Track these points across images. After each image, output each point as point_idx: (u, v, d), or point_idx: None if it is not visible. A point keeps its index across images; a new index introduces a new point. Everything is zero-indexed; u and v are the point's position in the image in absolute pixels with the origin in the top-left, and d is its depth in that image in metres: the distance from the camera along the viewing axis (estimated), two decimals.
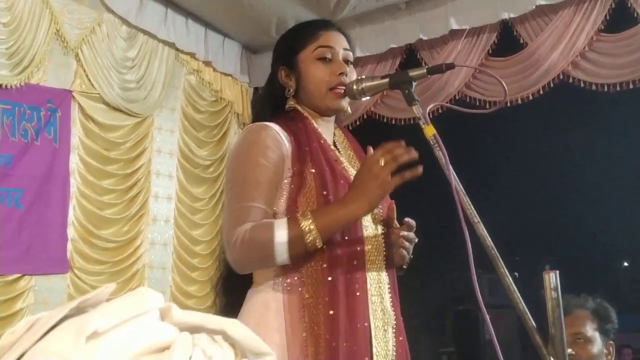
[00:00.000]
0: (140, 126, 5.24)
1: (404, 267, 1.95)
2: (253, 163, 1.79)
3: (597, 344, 2.57)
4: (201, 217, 5.71)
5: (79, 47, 4.80)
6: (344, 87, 1.91)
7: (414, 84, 1.82)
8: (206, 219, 5.74)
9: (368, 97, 1.94)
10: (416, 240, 1.92)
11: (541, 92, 4.88)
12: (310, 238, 1.67)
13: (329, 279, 1.73)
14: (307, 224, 1.67)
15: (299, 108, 1.97)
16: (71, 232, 4.73)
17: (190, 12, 5.58)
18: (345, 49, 1.98)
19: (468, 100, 5.19)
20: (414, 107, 1.78)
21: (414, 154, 1.69)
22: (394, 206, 1.92)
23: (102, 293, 0.64)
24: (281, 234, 1.67)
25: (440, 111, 4.24)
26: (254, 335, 0.66)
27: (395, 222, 1.93)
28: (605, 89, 4.62)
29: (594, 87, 4.68)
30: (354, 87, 1.88)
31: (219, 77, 5.96)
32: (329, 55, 1.95)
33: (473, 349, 7.58)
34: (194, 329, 0.64)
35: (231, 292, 1.94)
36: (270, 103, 2.02)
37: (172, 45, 5.47)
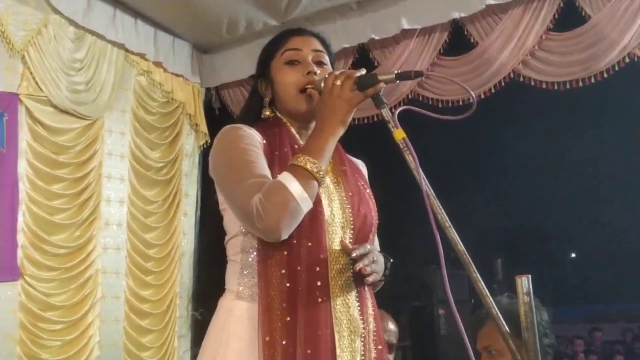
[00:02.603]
0: (90, 129, 5.13)
1: (382, 281, 1.92)
2: (240, 149, 1.78)
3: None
4: (154, 220, 5.63)
5: (25, 49, 4.67)
6: (312, 84, 1.89)
7: (383, 87, 1.81)
8: (160, 222, 5.66)
9: None
10: (379, 260, 1.86)
11: (492, 90, 4.93)
12: (311, 165, 1.70)
13: (287, 285, 1.71)
14: (300, 159, 1.71)
15: (278, 114, 1.96)
16: (21, 238, 4.61)
17: (139, 12, 5.49)
18: (316, 50, 1.96)
19: (421, 99, 5.22)
20: (382, 111, 1.77)
21: (362, 69, 1.77)
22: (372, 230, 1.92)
23: None
24: (294, 185, 1.67)
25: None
26: None
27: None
28: (555, 87, 4.70)
29: (544, 86, 4.75)
30: (322, 85, 1.86)
31: (170, 77, 5.87)
32: (296, 58, 1.93)
33: (428, 344, 7.64)
34: None
35: (207, 302, 1.93)
36: (249, 114, 2.01)
37: (121, 46, 5.37)
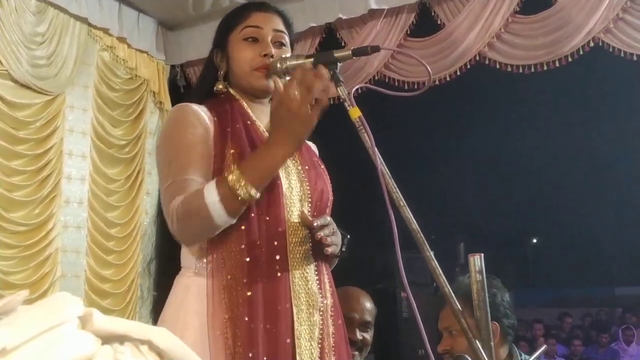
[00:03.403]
0: (51, 104, 5.05)
1: (337, 256, 1.91)
2: (182, 138, 1.77)
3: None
4: (117, 199, 5.56)
5: None
6: (267, 68, 1.86)
7: (339, 65, 1.79)
8: (122, 201, 5.59)
9: None
10: (337, 233, 1.83)
11: (458, 72, 4.93)
12: (242, 189, 1.63)
13: (247, 259, 1.70)
14: (234, 178, 1.63)
15: (231, 91, 1.93)
16: None
17: None
18: (276, 30, 1.94)
19: (387, 80, 5.21)
20: (338, 89, 1.74)
21: (325, 78, 1.65)
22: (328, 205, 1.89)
23: (13, 301, 0.57)
24: (212, 194, 1.63)
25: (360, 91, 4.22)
26: (181, 344, 0.62)
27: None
28: (521, 70, 4.72)
29: (509, 69, 4.77)
30: (278, 65, 1.84)
31: (134, 54, 5.78)
32: (255, 36, 1.90)
33: (390, 326, 7.67)
34: (117, 339, 0.58)
35: (163, 276, 1.93)
36: (203, 86, 1.99)
37: (84, 20, 5.27)
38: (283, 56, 1.87)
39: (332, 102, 5.02)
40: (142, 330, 0.60)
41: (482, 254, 1.51)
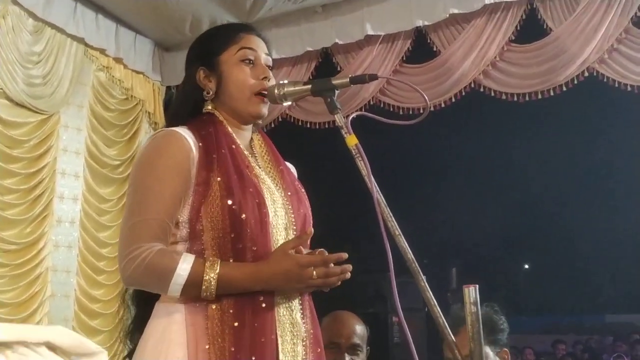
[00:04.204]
0: (45, 123, 5.03)
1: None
2: (157, 173, 1.72)
3: (490, 358, 2.58)
4: (109, 219, 5.53)
5: None
6: (267, 93, 1.86)
7: (337, 92, 1.80)
8: (114, 221, 5.56)
9: (289, 103, 1.90)
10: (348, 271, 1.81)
11: (453, 99, 4.96)
12: (206, 289, 1.64)
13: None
14: (210, 276, 1.64)
15: (215, 113, 1.89)
16: None
17: (100, 7, 5.41)
18: (266, 54, 1.94)
19: (382, 106, 5.23)
20: (336, 116, 1.75)
21: (343, 275, 1.72)
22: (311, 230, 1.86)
23: None
24: (182, 273, 1.63)
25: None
26: (81, 338, 0.62)
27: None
28: (515, 98, 4.74)
29: (503, 97, 4.79)
30: (276, 91, 1.84)
31: (130, 74, 5.80)
32: (252, 58, 1.89)
33: (382, 351, 7.65)
34: (13, 344, 0.58)
35: (141, 303, 1.85)
36: (185, 105, 1.93)
37: (81, 40, 5.29)
38: (281, 82, 1.87)
39: (326, 126, 5.01)
40: (39, 333, 0.60)
41: (477, 286, 1.51)
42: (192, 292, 1.64)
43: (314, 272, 1.67)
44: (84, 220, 5.34)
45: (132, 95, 5.79)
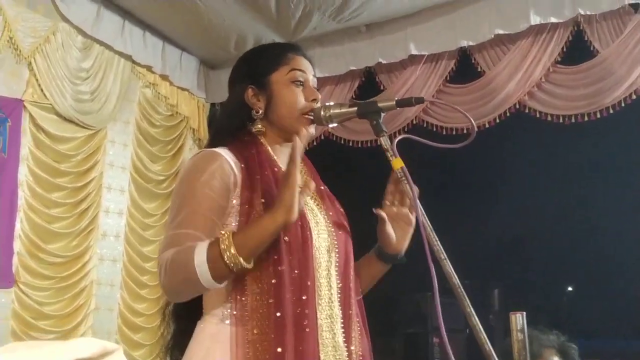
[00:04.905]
0: (92, 139, 5.13)
1: (396, 257, 1.94)
2: (196, 191, 1.73)
3: None
4: (153, 233, 5.60)
5: (32, 56, 4.68)
6: (314, 114, 1.87)
7: (382, 114, 1.80)
8: (158, 235, 5.62)
9: (335, 124, 1.90)
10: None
11: (497, 120, 4.93)
12: (229, 255, 1.59)
13: (277, 314, 1.66)
14: (223, 242, 1.61)
15: (261, 133, 1.90)
16: (17, 245, 4.58)
17: (148, 25, 5.51)
18: (313, 76, 1.95)
19: (426, 126, 5.21)
20: (381, 139, 1.76)
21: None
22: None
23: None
24: (201, 254, 1.60)
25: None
26: (101, 342, 0.63)
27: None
28: (561, 120, 4.69)
29: (549, 118, 4.74)
30: (322, 113, 1.85)
31: (176, 91, 5.89)
32: (302, 80, 1.90)
33: None
34: None
35: (181, 319, 1.86)
36: (232, 122, 1.94)
37: (128, 57, 5.39)
38: (327, 104, 1.88)
39: (368, 144, 5.01)
40: (66, 352, 0.61)
41: (524, 313, 1.50)
42: (221, 269, 1.61)
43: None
44: (129, 234, 5.42)
45: (177, 112, 5.88)
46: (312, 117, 1.87)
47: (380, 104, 1.79)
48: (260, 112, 1.90)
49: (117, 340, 5.22)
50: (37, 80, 4.71)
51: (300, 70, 1.91)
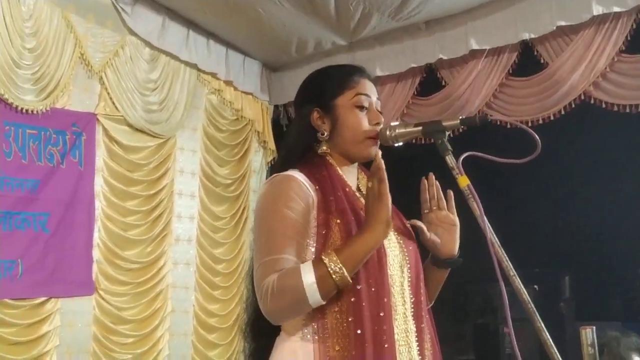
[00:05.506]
0: (163, 147, 5.29)
1: (450, 261, 2.01)
2: (279, 214, 1.78)
3: None
4: (223, 236, 5.75)
5: (102, 71, 4.86)
6: (377, 136, 1.92)
7: (447, 133, 1.84)
8: (228, 238, 5.78)
9: (401, 144, 1.94)
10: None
11: (562, 112, 4.87)
12: (337, 272, 1.67)
13: (358, 332, 1.71)
14: (330, 260, 1.67)
15: (327, 154, 1.96)
16: (96, 254, 4.78)
17: (211, 33, 5.63)
18: (377, 98, 2.00)
19: (489, 120, 5.16)
20: (447, 158, 1.80)
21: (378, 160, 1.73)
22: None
23: None
24: (309, 275, 1.66)
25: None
26: None
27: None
28: (627, 109, 4.61)
29: (615, 108, 4.66)
30: (387, 133, 1.90)
31: (240, 95, 6.00)
32: (366, 104, 1.94)
33: None
34: None
35: (260, 336, 1.93)
36: (300, 144, 1.99)
37: (194, 66, 5.52)
38: (392, 124, 1.93)
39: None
40: None
41: (594, 327, 1.53)
42: (329, 286, 1.68)
43: (369, 184, 1.73)
44: (200, 238, 5.57)
45: (242, 116, 6.00)
46: (376, 140, 1.92)
47: (444, 123, 1.83)
48: (326, 134, 1.95)
49: (193, 341, 5.38)
50: (108, 93, 4.89)
51: (364, 94, 1.95)
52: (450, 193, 1.97)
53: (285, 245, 1.76)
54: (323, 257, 1.69)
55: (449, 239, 1.99)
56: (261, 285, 1.72)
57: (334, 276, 1.66)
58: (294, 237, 1.77)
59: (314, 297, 1.67)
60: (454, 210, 1.99)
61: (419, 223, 1.97)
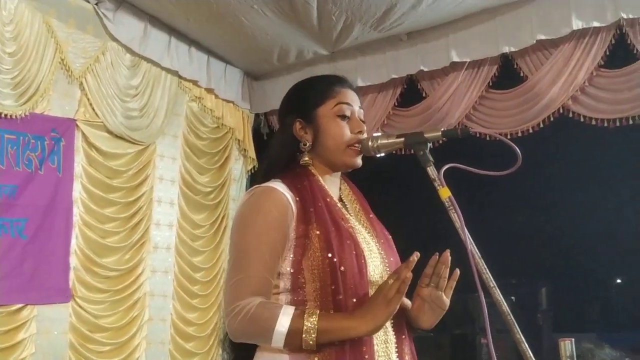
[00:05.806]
0: (142, 154, 5.26)
1: (421, 332, 1.97)
2: (256, 229, 1.79)
3: None
4: (202, 244, 5.73)
5: (83, 76, 4.81)
6: (360, 145, 1.93)
7: (429, 145, 1.86)
8: (207, 246, 5.76)
9: (383, 154, 1.96)
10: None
11: (541, 125, 4.92)
12: (308, 338, 1.67)
13: (337, 342, 1.72)
14: (309, 321, 1.68)
15: (310, 165, 1.96)
16: (73, 260, 4.72)
17: (193, 40, 5.63)
18: (359, 107, 2.01)
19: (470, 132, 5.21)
20: (428, 169, 1.81)
21: (409, 269, 1.68)
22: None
23: None
24: (283, 323, 1.68)
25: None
26: None
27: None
28: (605, 124, 4.67)
29: (593, 122, 4.72)
30: (370, 144, 1.91)
31: (221, 103, 6.00)
32: (348, 113, 1.95)
33: None
34: None
35: (240, 349, 1.94)
36: (283, 155, 2.00)
37: (175, 72, 5.51)
38: (374, 135, 1.94)
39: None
40: None
41: (573, 339, 1.55)
42: (295, 343, 1.69)
43: (389, 281, 1.69)
44: (179, 246, 5.55)
45: (222, 124, 6.00)
46: (358, 149, 1.93)
47: (426, 135, 1.84)
48: (308, 144, 1.96)
49: (171, 350, 5.35)
50: (88, 99, 4.84)
51: (346, 103, 1.96)
52: (457, 273, 1.88)
53: (260, 263, 1.76)
54: (305, 315, 1.69)
55: (431, 318, 1.94)
56: (234, 305, 1.73)
57: (304, 336, 1.67)
58: (269, 253, 1.78)
59: (278, 343, 1.69)
60: (450, 293, 1.91)
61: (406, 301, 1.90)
